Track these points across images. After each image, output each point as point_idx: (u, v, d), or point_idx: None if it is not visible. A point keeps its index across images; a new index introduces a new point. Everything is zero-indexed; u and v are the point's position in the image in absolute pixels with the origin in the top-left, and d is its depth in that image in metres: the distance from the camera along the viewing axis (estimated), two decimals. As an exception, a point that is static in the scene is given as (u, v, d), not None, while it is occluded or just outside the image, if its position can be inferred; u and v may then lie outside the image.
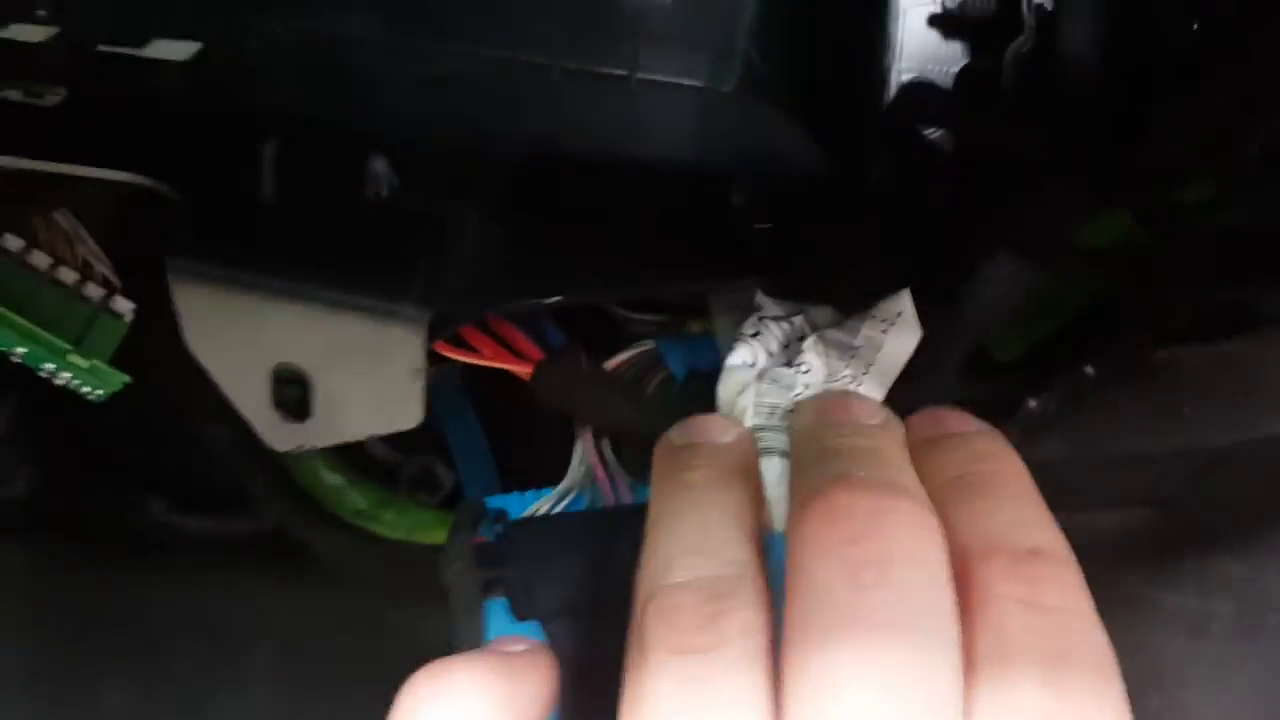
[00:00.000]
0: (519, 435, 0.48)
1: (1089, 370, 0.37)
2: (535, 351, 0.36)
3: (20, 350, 0.38)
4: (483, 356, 0.35)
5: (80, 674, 0.57)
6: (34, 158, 0.31)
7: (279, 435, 0.30)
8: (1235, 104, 0.31)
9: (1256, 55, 0.30)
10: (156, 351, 0.33)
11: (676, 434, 0.28)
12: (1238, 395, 0.38)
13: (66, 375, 0.40)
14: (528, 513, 0.36)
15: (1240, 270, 0.35)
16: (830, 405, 0.28)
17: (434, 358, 0.32)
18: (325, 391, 0.28)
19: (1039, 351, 0.39)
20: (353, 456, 0.51)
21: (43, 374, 0.40)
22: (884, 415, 0.27)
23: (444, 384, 0.48)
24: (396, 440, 0.53)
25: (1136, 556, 0.40)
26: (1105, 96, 0.32)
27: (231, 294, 0.27)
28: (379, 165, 0.31)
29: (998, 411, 0.38)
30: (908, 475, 0.25)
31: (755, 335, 0.32)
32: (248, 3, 0.36)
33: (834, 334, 0.31)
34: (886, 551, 0.22)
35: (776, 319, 0.32)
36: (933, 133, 0.33)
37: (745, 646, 0.22)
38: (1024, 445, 0.39)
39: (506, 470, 0.49)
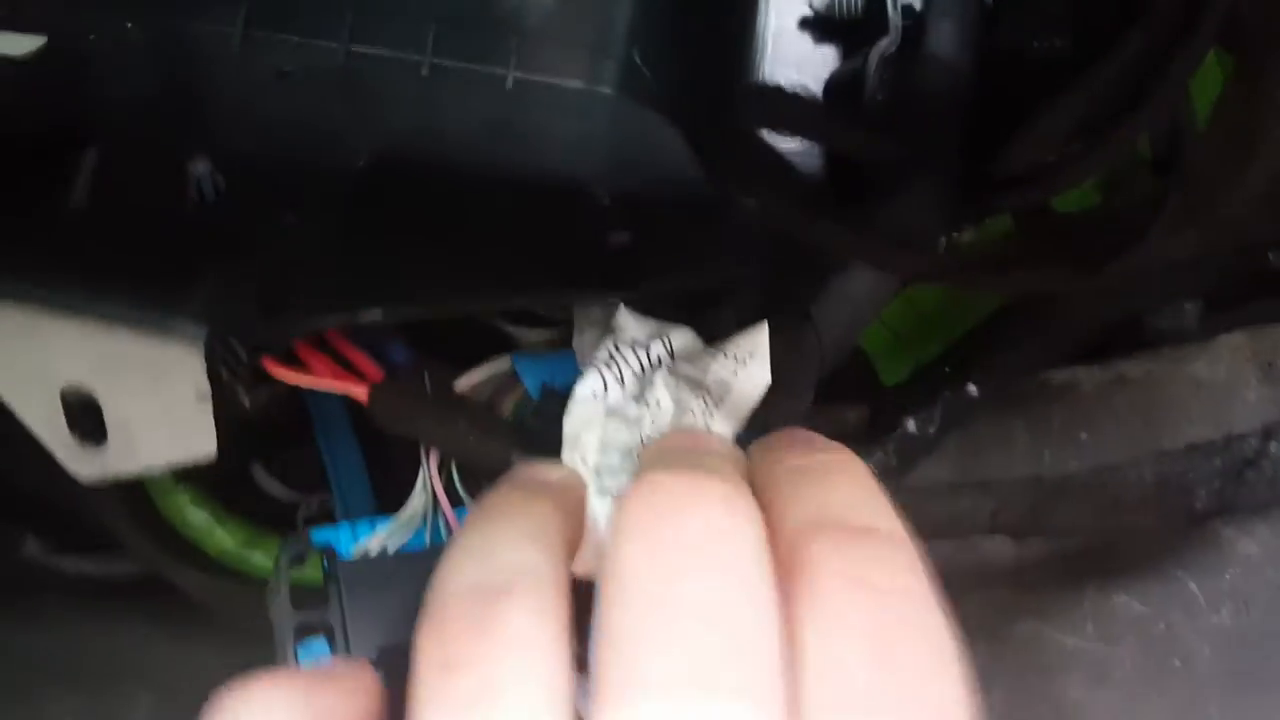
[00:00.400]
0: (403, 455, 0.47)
1: (971, 390, 0.35)
2: (375, 372, 0.33)
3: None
4: (316, 377, 0.32)
5: (-52, 720, 0.55)
6: None
7: (80, 462, 0.28)
8: (1113, 103, 0.31)
9: (1131, 56, 0.29)
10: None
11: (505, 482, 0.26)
12: (1135, 417, 0.37)
13: None
14: (361, 544, 0.34)
15: (1130, 285, 0.34)
16: (673, 435, 0.27)
17: (266, 376, 0.31)
18: (116, 415, 0.27)
19: (925, 374, 0.37)
20: (241, 492, 0.50)
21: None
22: (726, 447, 0.26)
23: (323, 403, 0.46)
24: (295, 475, 0.52)
25: (1034, 594, 0.39)
26: (972, 100, 0.31)
27: (7, 308, 0.25)
28: (200, 167, 0.30)
29: (877, 433, 0.37)
30: (727, 468, 0.23)
31: (609, 362, 0.30)
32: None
33: (686, 368, 0.30)
34: (696, 532, 0.20)
35: (634, 345, 0.31)
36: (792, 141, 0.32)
37: (528, 654, 0.20)
38: (902, 468, 0.38)
39: (394, 489, 0.47)
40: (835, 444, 0.25)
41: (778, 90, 0.30)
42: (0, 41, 0.34)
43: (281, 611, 0.32)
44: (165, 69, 0.34)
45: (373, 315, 0.28)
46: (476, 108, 0.35)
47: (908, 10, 0.31)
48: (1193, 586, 0.39)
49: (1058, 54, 0.33)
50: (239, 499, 0.50)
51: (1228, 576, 0.37)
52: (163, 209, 0.30)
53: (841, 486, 0.23)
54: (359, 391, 0.33)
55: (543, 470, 0.26)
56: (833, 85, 0.32)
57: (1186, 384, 0.37)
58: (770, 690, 0.19)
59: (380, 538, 0.35)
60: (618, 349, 0.31)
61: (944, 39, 0.30)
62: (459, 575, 0.21)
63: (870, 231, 0.27)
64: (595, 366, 0.31)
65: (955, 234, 0.36)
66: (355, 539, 0.35)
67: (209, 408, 0.26)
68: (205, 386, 0.26)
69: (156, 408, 0.26)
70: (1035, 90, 0.33)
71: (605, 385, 0.30)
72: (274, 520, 0.51)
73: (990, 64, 0.32)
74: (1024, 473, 0.37)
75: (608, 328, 0.32)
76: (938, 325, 0.39)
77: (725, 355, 0.30)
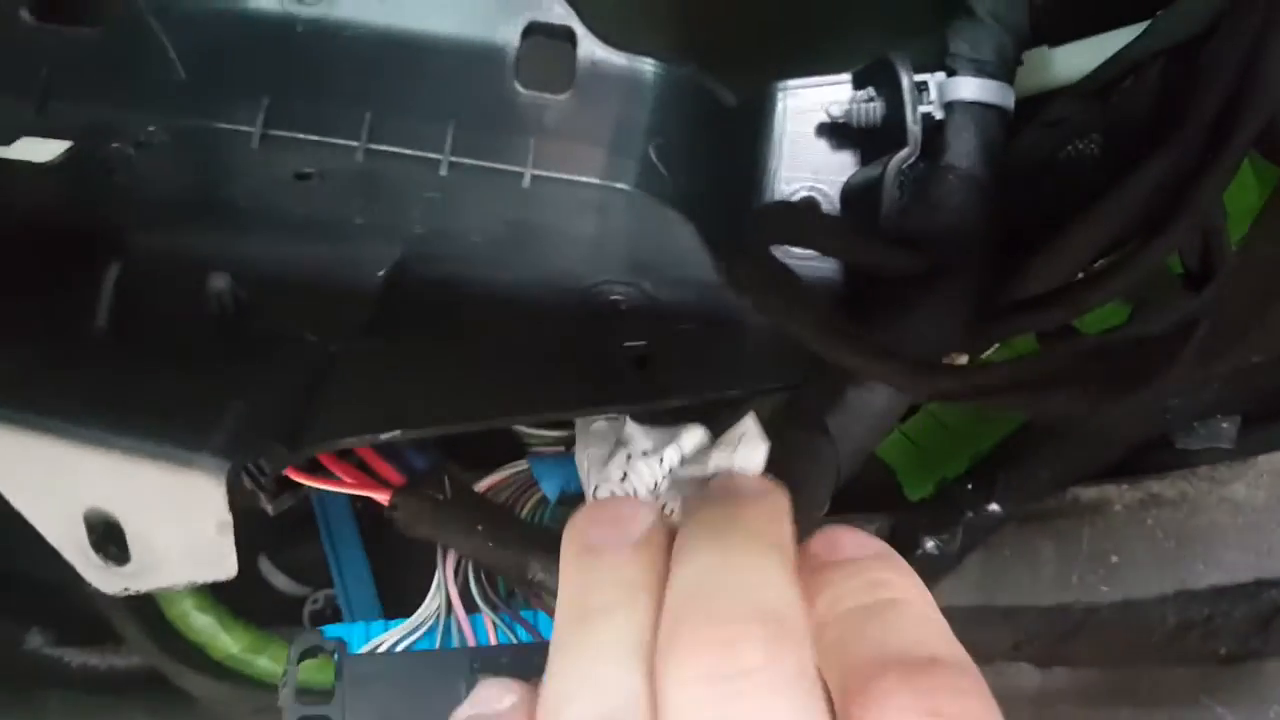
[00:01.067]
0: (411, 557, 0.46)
1: (995, 509, 0.34)
2: (396, 477, 0.34)
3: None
4: (341, 484, 0.33)
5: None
6: None
7: (102, 579, 0.28)
8: (1140, 222, 0.30)
9: (1158, 176, 0.29)
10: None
11: (584, 520, 0.25)
12: (1169, 540, 0.36)
13: None
14: (371, 645, 0.34)
15: (1162, 400, 0.33)
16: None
17: (290, 484, 0.30)
18: (138, 538, 0.27)
19: (948, 489, 0.36)
20: (247, 585, 0.49)
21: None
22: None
23: (328, 503, 0.46)
24: (301, 570, 0.51)
25: (1063, 723, 0.37)
26: (993, 213, 0.30)
27: (32, 438, 0.26)
28: (220, 282, 0.30)
29: (897, 550, 0.36)
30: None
31: (624, 478, 0.30)
32: (127, 98, 0.36)
33: (687, 470, 0.30)
34: (746, 675, 0.21)
35: (645, 455, 0.30)
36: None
37: None
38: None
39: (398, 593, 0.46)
40: (884, 551, 0.25)
41: (793, 207, 0.30)
42: (26, 148, 0.35)
43: (287, 701, 0.34)
44: (187, 173, 0.35)
45: (392, 435, 0.28)
46: (495, 206, 0.35)
47: (927, 118, 0.31)
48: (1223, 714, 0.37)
49: (1086, 161, 0.33)
50: (244, 592, 0.51)
51: (1271, 715, 0.35)
52: (183, 328, 0.30)
53: (905, 623, 0.23)
54: (382, 497, 0.34)
55: (628, 515, 0.26)
56: (850, 193, 0.33)
57: (1223, 507, 0.35)
58: None
59: (393, 635, 0.36)
60: (629, 462, 0.30)
61: (964, 150, 0.31)
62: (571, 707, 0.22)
63: (885, 353, 0.26)
64: (611, 483, 0.30)
65: (976, 353, 0.36)
66: (368, 637, 0.36)
67: (230, 536, 0.26)
68: (227, 517, 0.26)
69: (178, 534, 0.27)
70: (1061, 200, 0.32)
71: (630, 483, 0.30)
72: (279, 614, 0.52)
73: (1014, 173, 0.32)
74: (1050, 595, 0.36)
75: (616, 440, 0.31)
76: (964, 440, 0.38)
77: (722, 444, 0.30)
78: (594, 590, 0.24)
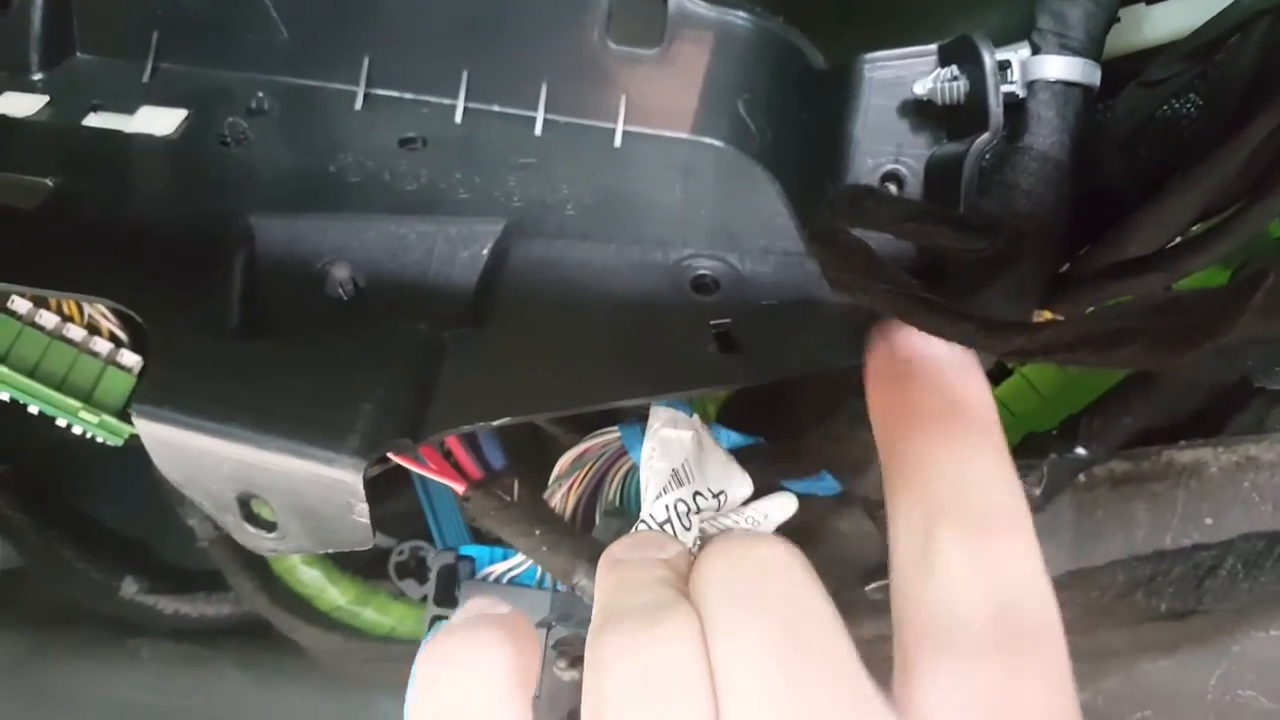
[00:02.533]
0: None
1: (1080, 451, 0.39)
2: (474, 470, 0.42)
3: (34, 408, 0.45)
4: (425, 468, 0.40)
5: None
6: (6, 278, 0.35)
7: (251, 540, 0.34)
8: (1239, 184, 0.34)
9: (1260, 139, 0.32)
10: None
11: (617, 545, 0.32)
12: (1265, 503, 0.40)
13: (79, 429, 0.47)
14: (488, 570, 0.43)
15: (1242, 352, 0.37)
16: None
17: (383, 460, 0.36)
18: (284, 516, 0.32)
19: (1032, 438, 0.42)
20: None
21: (61, 424, 0.47)
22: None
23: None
24: (386, 522, 0.58)
25: (1150, 688, 0.42)
26: (1076, 190, 0.34)
27: (189, 434, 0.30)
28: (343, 271, 0.35)
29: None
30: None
31: (666, 521, 0.36)
32: (234, 61, 0.42)
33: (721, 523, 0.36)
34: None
35: (700, 494, 0.37)
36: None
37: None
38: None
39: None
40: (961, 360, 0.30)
41: (870, 191, 0.34)
42: (146, 119, 0.41)
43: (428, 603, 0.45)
44: (298, 143, 0.40)
45: (503, 422, 0.33)
46: (587, 169, 0.40)
47: (1009, 96, 0.34)
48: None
49: (1183, 123, 0.36)
50: (347, 556, 0.56)
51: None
52: (309, 318, 0.35)
53: (969, 454, 0.29)
54: (459, 487, 0.42)
55: (655, 546, 0.32)
56: (933, 169, 0.36)
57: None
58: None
59: (503, 565, 0.46)
60: (694, 498, 0.36)
61: (1045, 130, 0.34)
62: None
63: (957, 314, 0.30)
64: (665, 504, 0.36)
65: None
66: (491, 561, 0.46)
67: (366, 518, 0.31)
68: (363, 505, 0.31)
69: (319, 517, 0.31)
70: (1157, 162, 0.36)
71: (671, 522, 0.35)
72: (364, 566, 0.58)
73: (1109, 135, 0.35)
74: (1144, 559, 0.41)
75: (680, 461, 0.37)
76: (1056, 403, 0.43)
77: (744, 516, 0.37)
78: (622, 590, 0.30)
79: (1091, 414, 0.41)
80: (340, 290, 0.35)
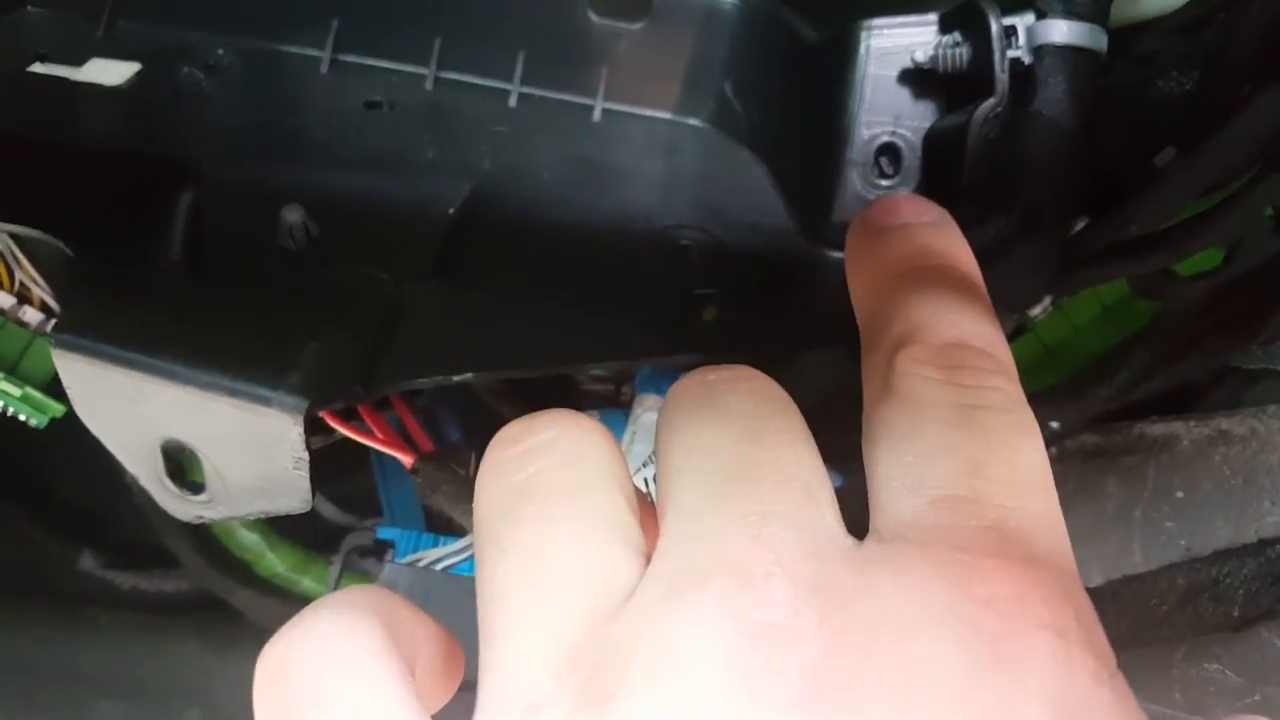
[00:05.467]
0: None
1: (1053, 425, 0.36)
2: (425, 442, 0.37)
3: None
4: (371, 437, 0.35)
5: (6, 731, 0.58)
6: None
7: (175, 504, 0.29)
8: (1243, 163, 0.31)
9: (1264, 110, 0.29)
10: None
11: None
12: (1236, 477, 0.37)
13: (0, 403, 0.41)
14: (415, 556, 0.36)
15: (1242, 339, 0.34)
16: None
17: (323, 427, 0.32)
18: (214, 470, 0.28)
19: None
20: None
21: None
22: None
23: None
24: (349, 499, 0.53)
25: (1119, 659, 0.39)
26: (1083, 159, 0.31)
27: (113, 370, 0.26)
28: (293, 214, 0.30)
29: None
30: None
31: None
32: (195, 19, 0.36)
33: None
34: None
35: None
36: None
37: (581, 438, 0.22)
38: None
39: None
40: (941, 218, 0.26)
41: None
42: (96, 70, 0.35)
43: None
44: (257, 100, 0.35)
45: (464, 378, 0.29)
46: (565, 142, 0.35)
47: (1015, 63, 0.30)
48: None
49: (1178, 99, 0.33)
50: (292, 519, 0.53)
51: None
52: (257, 261, 0.30)
53: (942, 297, 0.24)
54: (406, 459, 0.37)
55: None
56: (933, 141, 0.32)
57: (1294, 443, 0.37)
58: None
59: (436, 553, 0.39)
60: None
61: (1052, 96, 0.30)
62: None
63: None
64: (644, 477, 0.32)
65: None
66: (416, 549, 0.39)
67: (305, 470, 0.27)
68: (303, 454, 0.27)
69: (253, 468, 0.27)
70: (1151, 139, 0.33)
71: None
72: (322, 541, 0.53)
73: (1103, 111, 0.32)
74: (1113, 532, 0.38)
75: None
76: (1059, 360, 0.40)
77: None
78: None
79: (1065, 388, 0.38)
80: (291, 237, 0.31)
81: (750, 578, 0.19)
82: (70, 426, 0.45)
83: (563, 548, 0.20)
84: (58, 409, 0.42)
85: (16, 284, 0.40)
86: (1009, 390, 0.22)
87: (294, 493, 0.28)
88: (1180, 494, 0.37)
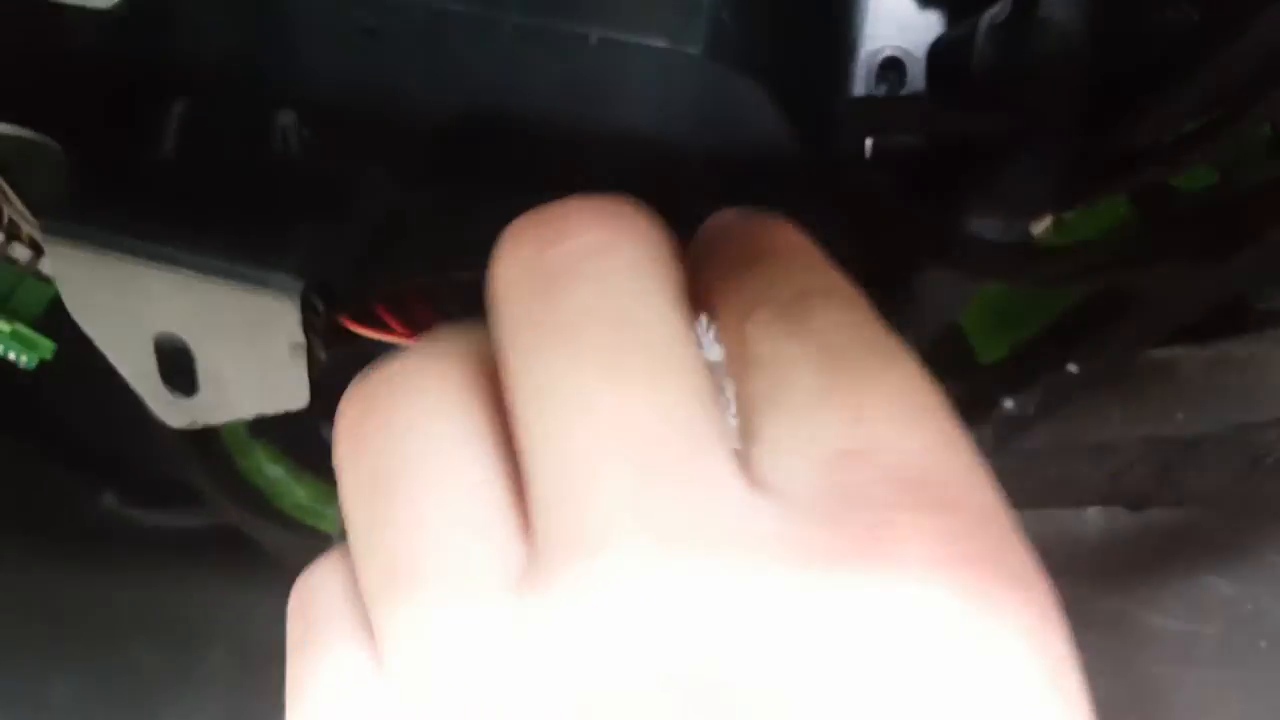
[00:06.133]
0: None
1: (1072, 368, 0.35)
2: None
3: (-65, 313, 0.38)
4: (394, 335, 0.34)
5: (29, 667, 0.58)
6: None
7: (169, 410, 0.29)
8: (1244, 80, 0.30)
9: (1267, 26, 0.28)
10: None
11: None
12: (1237, 400, 0.37)
13: None
14: None
15: (1240, 264, 0.33)
16: None
17: (342, 335, 0.31)
18: (208, 365, 0.27)
19: (1024, 352, 0.37)
20: (307, 445, 0.51)
21: (-32, 336, 0.40)
22: None
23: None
24: None
25: (1120, 574, 0.39)
26: (1089, 70, 0.30)
27: (104, 258, 0.26)
28: (286, 118, 0.30)
29: (975, 413, 0.37)
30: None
31: None
32: None
33: None
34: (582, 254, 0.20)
35: None
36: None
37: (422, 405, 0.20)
38: (998, 447, 0.38)
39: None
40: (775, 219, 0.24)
41: (877, 102, 0.30)
42: None
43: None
44: (251, 22, 0.33)
45: (461, 275, 0.28)
46: (560, 69, 0.34)
47: None
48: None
49: (1185, 25, 0.32)
50: (309, 458, 0.51)
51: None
52: (252, 161, 0.30)
53: (780, 262, 0.22)
54: None
55: None
56: (938, 52, 0.32)
57: (1293, 368, 0.36)
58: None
59: None
60: None
61: (1060, 3, 0.30)
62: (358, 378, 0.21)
63: (991, 248, 0.27)
64: None
65: (1065, 214, 0.36)
66: None
67: (303, 359, 0.26)
68: (299, 338, 0.26)
69: (249, 359, 0.27)
70: (1158, 62, 0.32)
71: None
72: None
73: (1110, 34, 0.31)
74: (1115, 454, 0.37)
75: None
76: (1039, 302, 0.39)
77: None
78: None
79: (1085, 329, 0.37)
80: (284, 139, 0.30)
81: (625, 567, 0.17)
82: (87, 362, 0.45)
83: (415, 550, 0.19)
84: (47, 347, 0.41)
85: (5, 220, 0.40)
86: (863, 322, 0.20)
87: (292, 386, 0.27)
88: (1180, 415, 0.37)
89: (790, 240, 0.23)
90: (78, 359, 0.44)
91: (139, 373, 0.27)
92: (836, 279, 0.21)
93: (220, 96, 0.30)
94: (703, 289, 0.22)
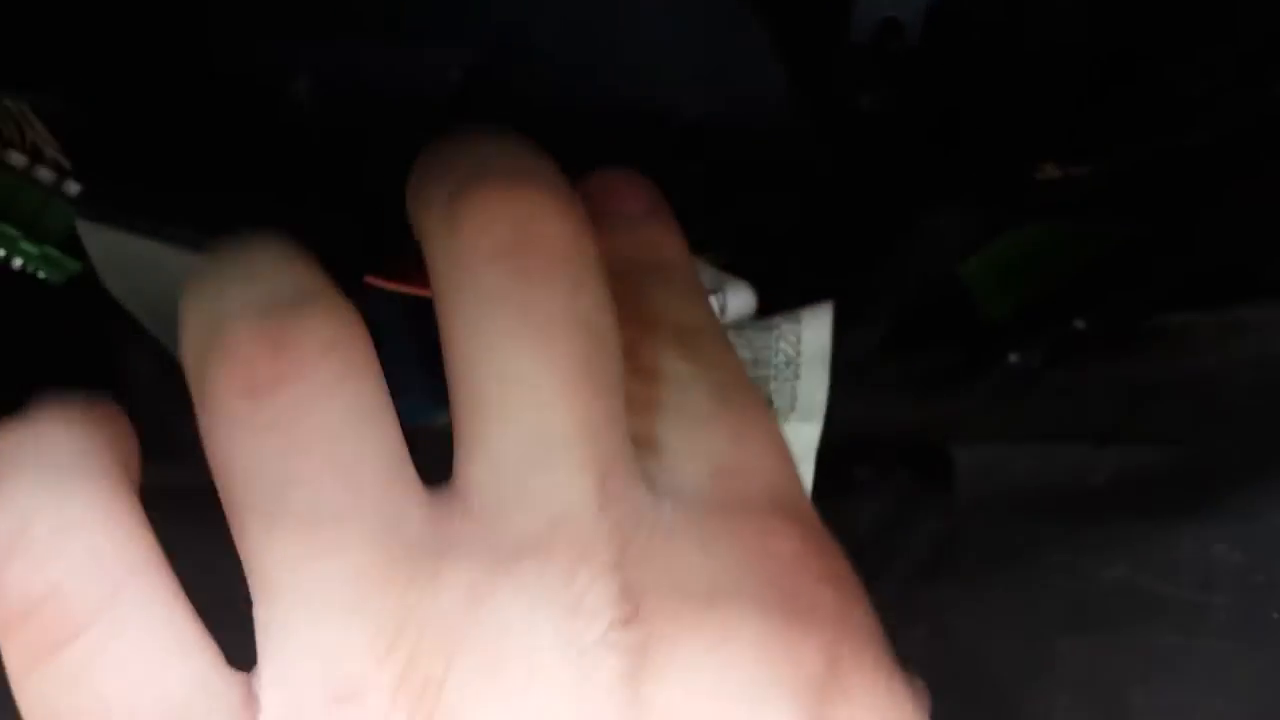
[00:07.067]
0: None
1: (1078, 324, 0.36)
2: None
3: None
4: (414, 286, 0.35)
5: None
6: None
7: None
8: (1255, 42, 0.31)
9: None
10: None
11: None
12: (1251, 365, 0.38)
13: (19, 262, 0.41)
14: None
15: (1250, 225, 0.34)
16: None
17: (366, 287, 0.32)
18: None
19: (1031, 309, 0.38)
20: None
21: (-1, 255, 0.40)
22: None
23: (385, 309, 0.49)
24: None
25: (1126, 541, 0.40)
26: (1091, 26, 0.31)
27: (133, 238, 0.27)
28: (302, 84, 0.31)
29: (979, 367, 0.38)
30: None
31: None
32: None
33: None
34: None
35: None
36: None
37: (338, 355, 0.20)
38: (1002, 401, 0.39)
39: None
40: (658, 212, 0.27)
41: (874, 54, 0.31)
42: None
43: None
44: None
45: None
46: (567, 8, 0.34)
47: None
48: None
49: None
50: None
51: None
52: (268, 131, 0.31)
53: (675, 283, 0.26)
54: None
55: None
56: (937, 14, 0.31)
57: (1305, 333, 0.37)
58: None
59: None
60: None
61: None
62: (226, 300, 0.21)
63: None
64: None
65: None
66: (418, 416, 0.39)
67: None
68: None
69: None
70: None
71: None
72: None
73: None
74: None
75: None
76: (1047, 262, 0.39)
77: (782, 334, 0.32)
78: None
79: (1092, 289, 0.38)
80: (300, 105, 0.31)
81: (574, 548, 0.19)
82: (69, 305, 0.46)
83: (338, 504, 0.19)
84: (74, 265, 0.42)
85: (29, 143, 0.41)
86: (738, 366, 0.24)
87: None
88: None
89: (674, 255, 0.26)
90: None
91: (171, 338, 0.28)
92: (713, 317, 0.26)
93: (234, 62, 0.31)
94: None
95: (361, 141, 0.31)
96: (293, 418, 0.20)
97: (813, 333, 0.34)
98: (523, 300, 0.20)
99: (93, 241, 0.28)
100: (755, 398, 0.24)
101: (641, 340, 0.23)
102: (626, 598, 0.19)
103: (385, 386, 0.21)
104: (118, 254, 0.27)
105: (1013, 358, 0.36)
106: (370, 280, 0.33)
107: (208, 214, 0.27)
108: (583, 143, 0.32)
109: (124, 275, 0.28)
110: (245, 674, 0.21)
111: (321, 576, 0.19)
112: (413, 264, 0.35)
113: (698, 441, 0.22)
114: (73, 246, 0.41)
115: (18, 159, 0.41)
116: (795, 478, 0.23)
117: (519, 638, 0.18)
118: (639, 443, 0.22)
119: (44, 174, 0.41)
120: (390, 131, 0.31)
